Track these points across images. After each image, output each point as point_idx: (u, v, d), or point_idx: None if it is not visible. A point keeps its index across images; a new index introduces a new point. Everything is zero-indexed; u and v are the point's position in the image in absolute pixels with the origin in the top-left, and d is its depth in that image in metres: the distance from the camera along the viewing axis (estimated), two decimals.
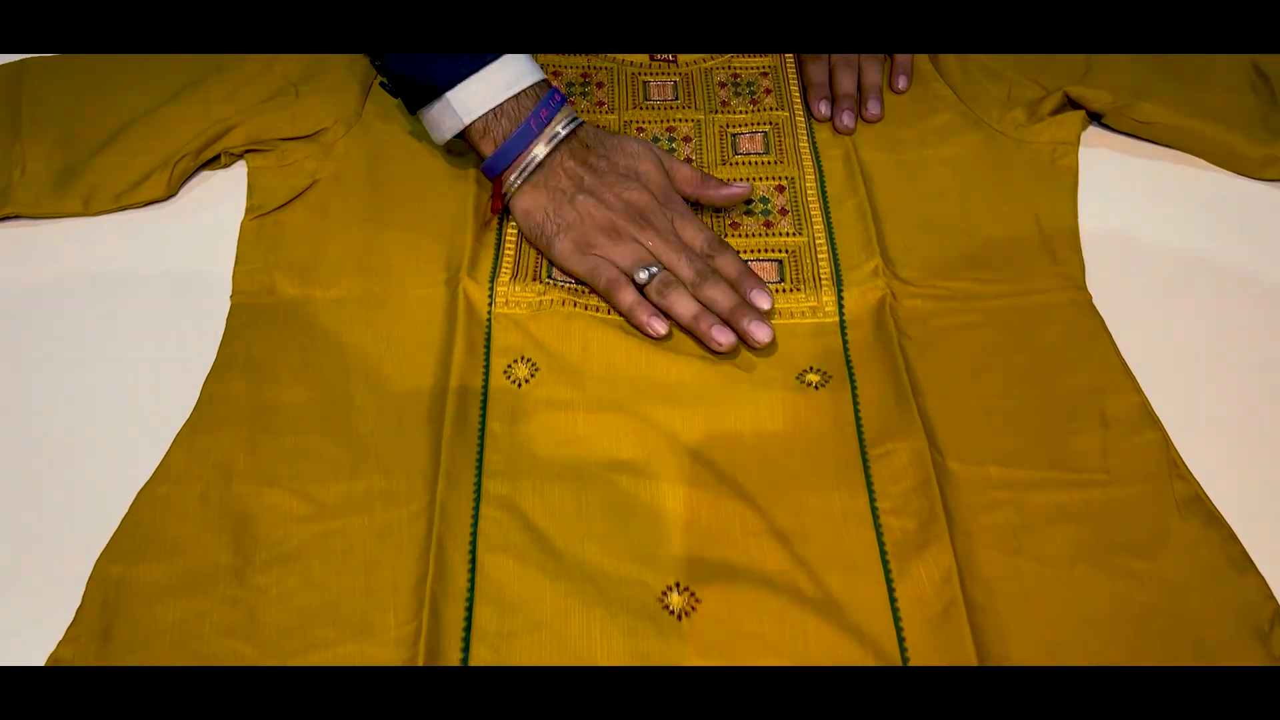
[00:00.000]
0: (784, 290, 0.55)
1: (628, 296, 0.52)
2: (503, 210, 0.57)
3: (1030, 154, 0.62)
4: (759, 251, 0.57)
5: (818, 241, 0.58)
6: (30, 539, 0.46)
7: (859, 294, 0.55)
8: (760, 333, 0.51)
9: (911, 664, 0.42)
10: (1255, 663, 0.42)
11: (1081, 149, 0.62)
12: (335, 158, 0.61)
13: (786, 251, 0.57)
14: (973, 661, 0.41)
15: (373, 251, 0.56)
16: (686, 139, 0.64)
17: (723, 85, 0.67)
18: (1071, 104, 0.63)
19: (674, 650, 0.42)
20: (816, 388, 0.51)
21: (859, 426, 0.50)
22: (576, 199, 0.54)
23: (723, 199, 0.57)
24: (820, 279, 0.56)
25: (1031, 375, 0.52)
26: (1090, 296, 0.55)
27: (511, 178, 0.56)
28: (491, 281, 0.55)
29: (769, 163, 0.62)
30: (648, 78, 0.67)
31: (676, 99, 0.66)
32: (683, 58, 0.68)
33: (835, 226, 0.58)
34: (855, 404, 0.50)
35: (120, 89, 0.63)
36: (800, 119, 0.64)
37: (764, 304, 0.52)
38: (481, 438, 0.49)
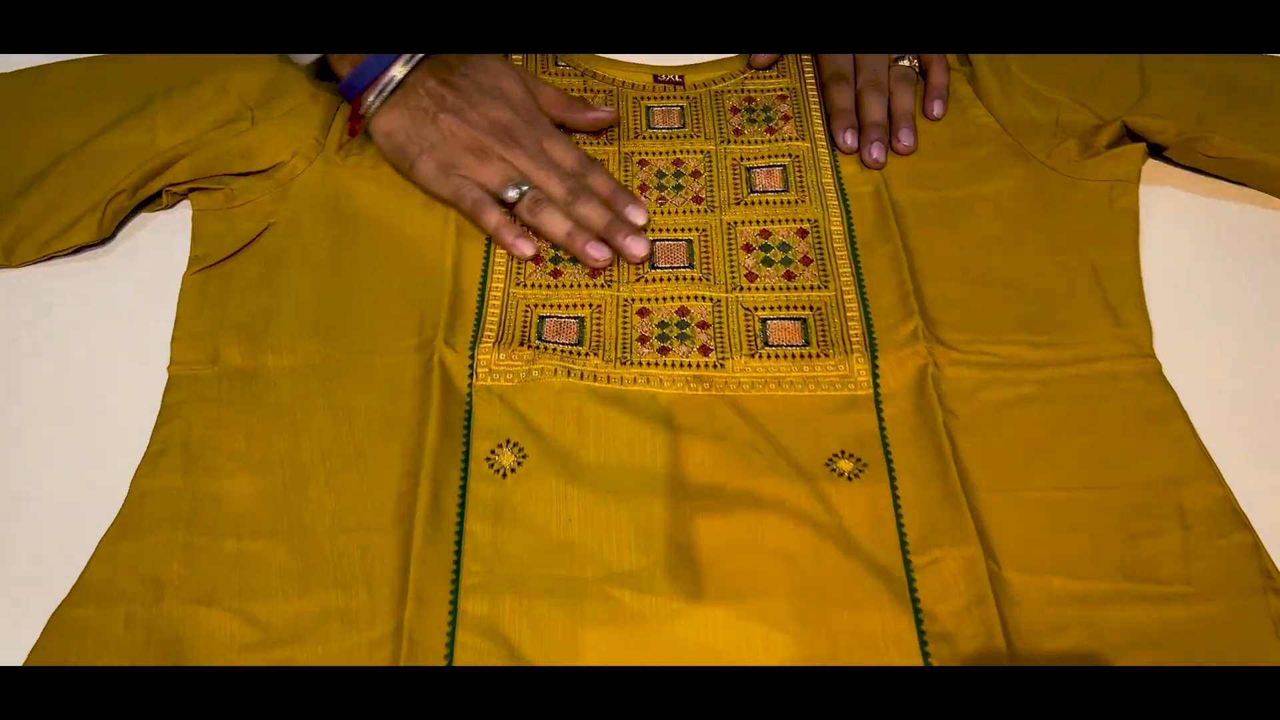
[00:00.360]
0: (810, 356, 0.48)
1: (493, 217, 0.51)
2: (360, 133, 0.54)
3: (1085, 194, 0.54)
4: (780, 309, 0.50)
5: (846, 297, 0.50)
6: None
7: (896, 361, 0.48)
8: (636, 247, 0.50)
9: None
10: None
11: (1141, 187, 0.55)
12: (293, 198, 0.53)
13: (811, 308, 0.50)
14: None
15: (334, 310, 0.49)
16: (695, 174, 0.56)
17: (735, 111, 0.59)
18: (1130, 135, 0.56)
19: None
20: (849, 478, 0.44)
21: (900, 528, 0.42)
22: (439, 118, 0.52)
23: (588, 122, 0.56)
24: (850, 341, 0.48)
25: (1096, 462, 0.45)
26: (1159, 365, 0.48)
27: (369, 99, 0.53)
28: (472, 348, 0.47)
29: (789, 202, 0.55)
30: (651, 103, 0.60)
31: (683, 127, 0.59)
32: (690, 79, 0.61)
33: (866, 278, 0.51)
34: (895, 499, 0.43)
35: (50, 118, 0.55)
36: (824, 150, 0.57)
37: (639, 219, 0.52)
38: (459, 543, 0.42)
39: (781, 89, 0.61)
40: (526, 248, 0.51)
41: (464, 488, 0.43)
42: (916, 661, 0.39)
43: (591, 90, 0.60)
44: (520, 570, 0.41)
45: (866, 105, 0.57)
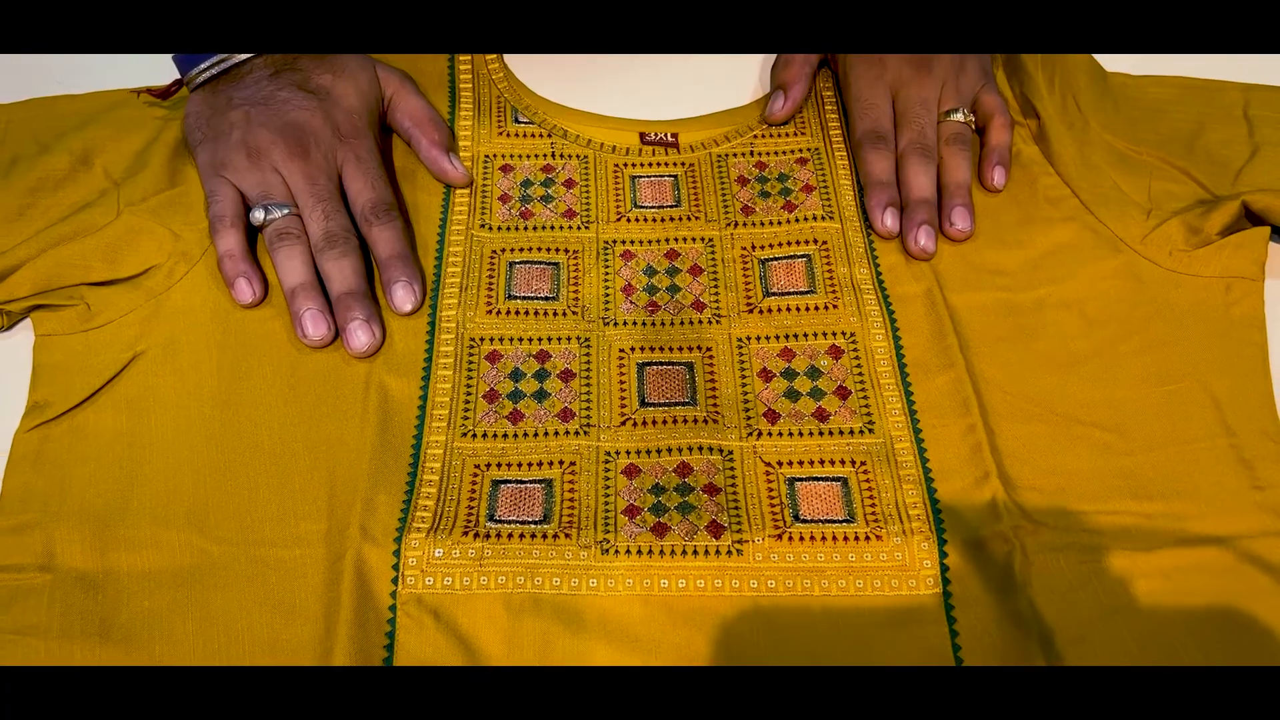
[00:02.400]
0: (856, 539, 0.36)
1: (225, 240, 0.41)
2: (165, 97, 0.46)
3: (1195, 295, 0.42)
4: (812, 464, 0.38)
5: (899, 445, 0.38)
6: None
7: (971, 547, 0.36)
8: (356, 339, 0.39)
9: None
10: None
11: (1268, 283, 0.43)
12: (168, 316, 0.40)
13: (853, 464, 0.38)
14: None
15: (216, 483, 0.37)
16: (695, 270, 0.44)
17: (743, 181, 0.47)
18: (1250, 216, 0.44)
19: None
20: None
21: None
22: (236, 107, 0.43)
23: (431, 159, 0.45)
24: (908, 515, 0.36)
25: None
26: None
27: (194, 73, 0.44)
28: (399, 537, 0.35)
29: (817, 308, 0.42)
30: (638, 171, 0.47)
31: (678, 205, 0.46)
32: (686, 138, 0.48)
33: (922, 416, 0.39)
34: None
35: None
36: (856, 233, 0.45)
37: (405, 305, 0.41)
38: None
39: (801, 150, 0.48)
40: (245, 293, 0.40)
41: None
42: None
43: (563, 155, 0.48)
44: None
45: (910, 176, 0.45)
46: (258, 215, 0.41)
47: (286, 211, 0.41)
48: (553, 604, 0.34)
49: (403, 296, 0.41)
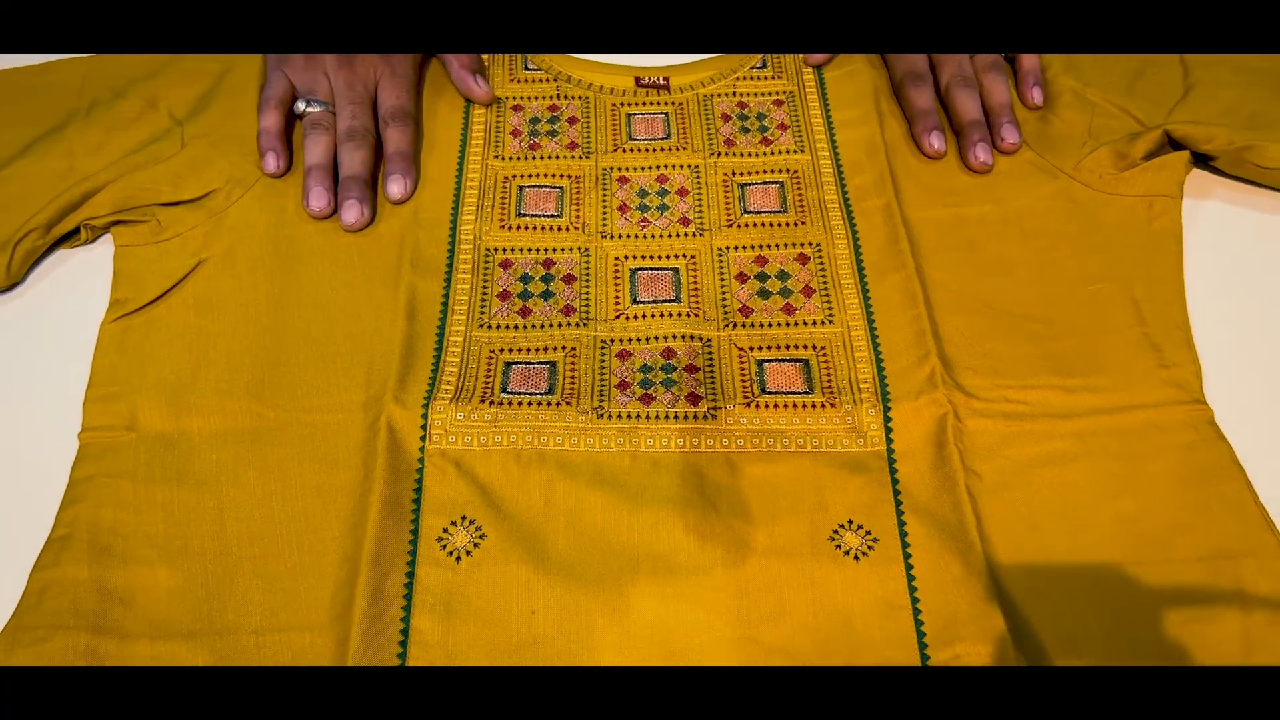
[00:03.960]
0: (813, 405, 0.42)
1: (266, 120, 0.49)
2: None
3: (1121, 212, 0.48)
4: (778, 348, 0.44)
5: (854, 333, 0.44)
6: None
7: (911, 412, 0.42)
8: (349, 215, 0.47)
9: None
10: None
11: (1185, 202, 0.49)
12: (227, 231, 0.47)
13: (814, 348, 0.44)
14: None
15: (270, 362, 0.43)
16: (682, 191, 0.50)
17: (726, 118, 0.53)
18: (1172, 144, 0.50)
19: None
20: (856, 557, 0.38)
21: (917, 619, 0.37)
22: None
23: (460, 79, 0.53)
24: (859, 388, 0.42)
25: (1143, 533, 0.39)
26: (1211, 413, 0.42)
27: None
28: (425, 404, 0.42)
29: (788, 224, 0.49)
30: (632, 109, 0.54)
31: (668, 137, 0.52)
32: (676, 82, 0.55)
33: (876, 310, 0.45)
34: (911, 585, 0.37)
35: None
36: (826, 163, 0.51)
37: (394, 194, 0.48)
38: (404, 644, 0.36)
39: (778, 93, 0.54)
40: (270, 164, 0.49)
41: (411, 574, 0.37)
42: None
43: (566, 96, 0.54)
44: (470, 661, 0.35)
45: (959, 103, 0.51)
46: (299, 106, 0.50)
47: (323, 108, 0.50)
48: (555, 458, 0.40)
49: (394, 188, 0.48)
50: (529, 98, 0.54)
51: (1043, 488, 0.40)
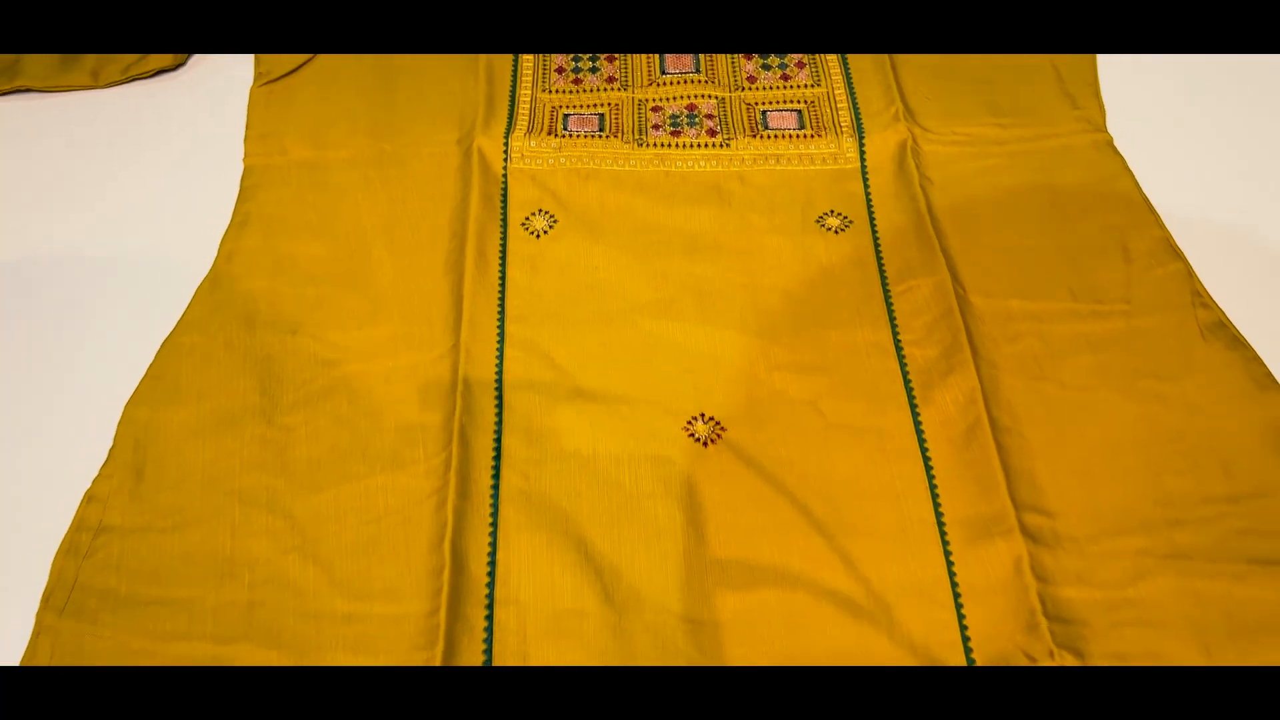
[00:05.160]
0: (805, 136, 0.55)
1: None
2: None
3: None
4: (777, 103, 0.56)
5: (836, 92, 0.57)
6: (58, 386, 0.46)
7: (880, 140, 0.54)
8: None
9: (937, 479, 0.42)
10: (1276, 476, 0.42)
11: None
12: None
13: (806, 102, 0.56)
14: (998, 477, 0.41)
15: (383, 113, 0.56)
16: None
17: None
18: None
19: (700, 474, 0.42)
20: (837, 231, 0.51)
21: (880, 266, 0.49)
22: None
23: None
24: (840, 126, 0.55)
25: (1054, 215, 0.51)
26: (1111, 138, 0.54)
27: None
28: (506, 136, 0.54)
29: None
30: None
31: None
32: None
33: (854, 77, 0.57)
34: (876, 245, 0.50)
35: None
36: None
37: None
38: (503, 285, 0.49)
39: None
40: None
41: (504, 245, 0.50)
42: (894, 364, 0.46)
43: None
44: (556, 304, 0.48)
45: None
46: None
47: None
48: (607, 175, 0.53)
49: None
50: None
51: (979, 187, 0.52)
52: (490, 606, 0.39)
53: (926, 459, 0.43)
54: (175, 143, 0.56)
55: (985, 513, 0.41)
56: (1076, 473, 0.43)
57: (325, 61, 0.58)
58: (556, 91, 0.57)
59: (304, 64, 0.58)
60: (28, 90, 0.57)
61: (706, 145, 0.54)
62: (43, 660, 0.38)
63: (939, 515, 0.41)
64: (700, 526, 0.41)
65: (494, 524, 0.41)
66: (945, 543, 0.41)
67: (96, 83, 0.58)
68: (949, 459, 0.43)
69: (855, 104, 0.56)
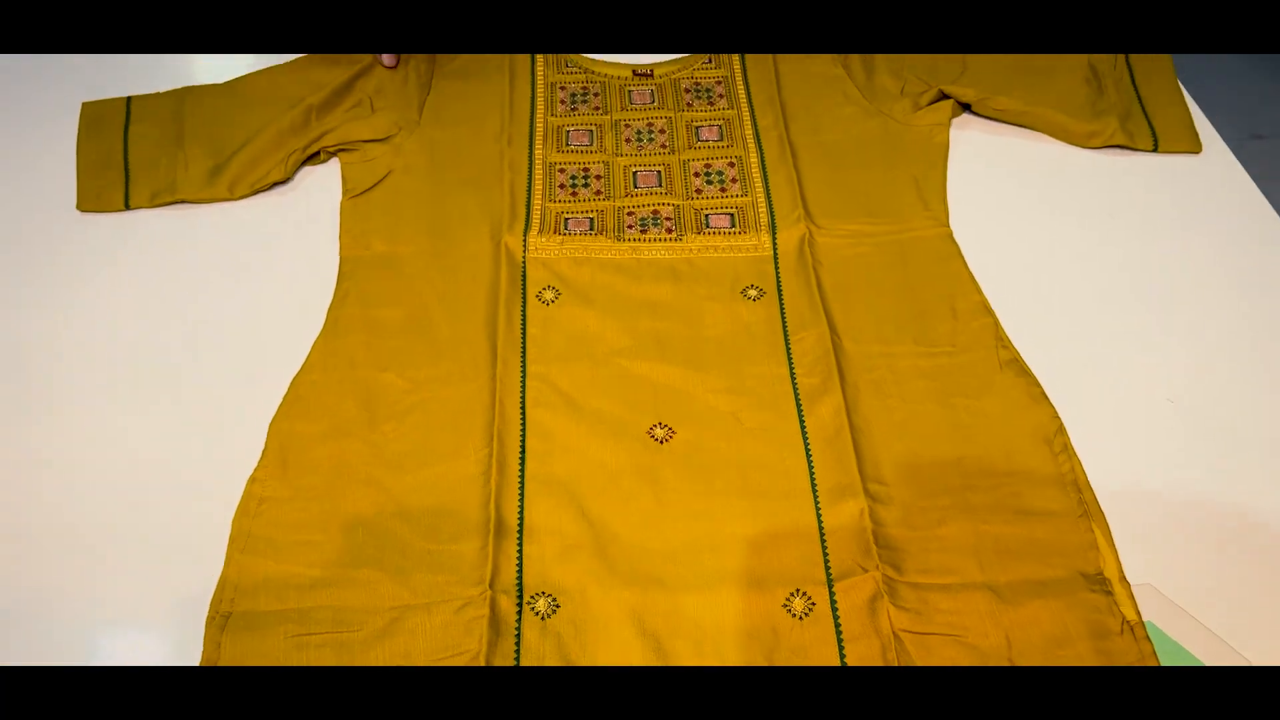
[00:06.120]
0: (734, 233, 0.78)
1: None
2: None
3: (914, 134, 0.84)
4: (716, 209, 0.80)
5: (759, 201, 0.80)
6: (227, 408, 0.68)
7: (786, 236, 0.77)
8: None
9: (814, 462, 0.64)
10: (1041, 459, 0.64)
11: (953, 129, 0.84)
12: (403, 154, 0.83)
13: (736, 208, 0.80)
14: (853, 462, 0.63)
15: (438, 219, 0.79)
16: (662, 130, 0.86)
17: (688, 91, 0.89)
18: (945, 97, 0.86)
19: (659, 463, 0.64)
20: (754, 299, 0.74)
21: (783, 322, 0.72)
22: None
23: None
24: (760, 225, 0.78)
25: (905, 286, 0.74)
26: (951, 232, 0.77)
27: None
28: (525, 235, 0.77)
29: (724, 146, 0.84)
30: (631, 88, 0.90)
31: (653, 103, 0.88)
32: (658, 71, 0.90)
33: (772, 191, 0.81)
34: (781, 308, 0.73)
35: (251, 109, 0.85)
36: (746, 114, 0.86)
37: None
38: (524, 339, 0.71)
39: (718, 77, 0.90)
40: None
41: (524, 310, 0.73)
42: (789, 389, 0.68)
43: (592, 79, 0.89)
44: (561, 350, 0.70)
45: None
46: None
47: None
48: (597, 261, 0.76)
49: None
50: (568, 83, 0.90)
51: (854, 268, 0.75)
52: (520, 544, 0.61)
53: (808, 450, 0.65)
54: (291, 239, 0.79)
55: (843, 482, 0.63)
56: (906, 458, 0.64)
57: (393, 181, 0.81)
58: (559, 200, 0.80)
59: (378, 183, 0.81)
60: (184, 203, 0.80)
61: (665, 239, 0.77)
62: (231, 582, 0.59)
63: (814, 484, 0.63)
64: (659, 494, 0.63)
65: (521, 493, 0.63)
66: (816, 502, 0.62)
67: (232, 195, 0.81)
68: (822, 450, 0.65)
69: (771, 209, 0.79)
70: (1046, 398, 0.67)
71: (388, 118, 0.85)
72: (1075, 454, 0.64)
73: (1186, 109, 0.86)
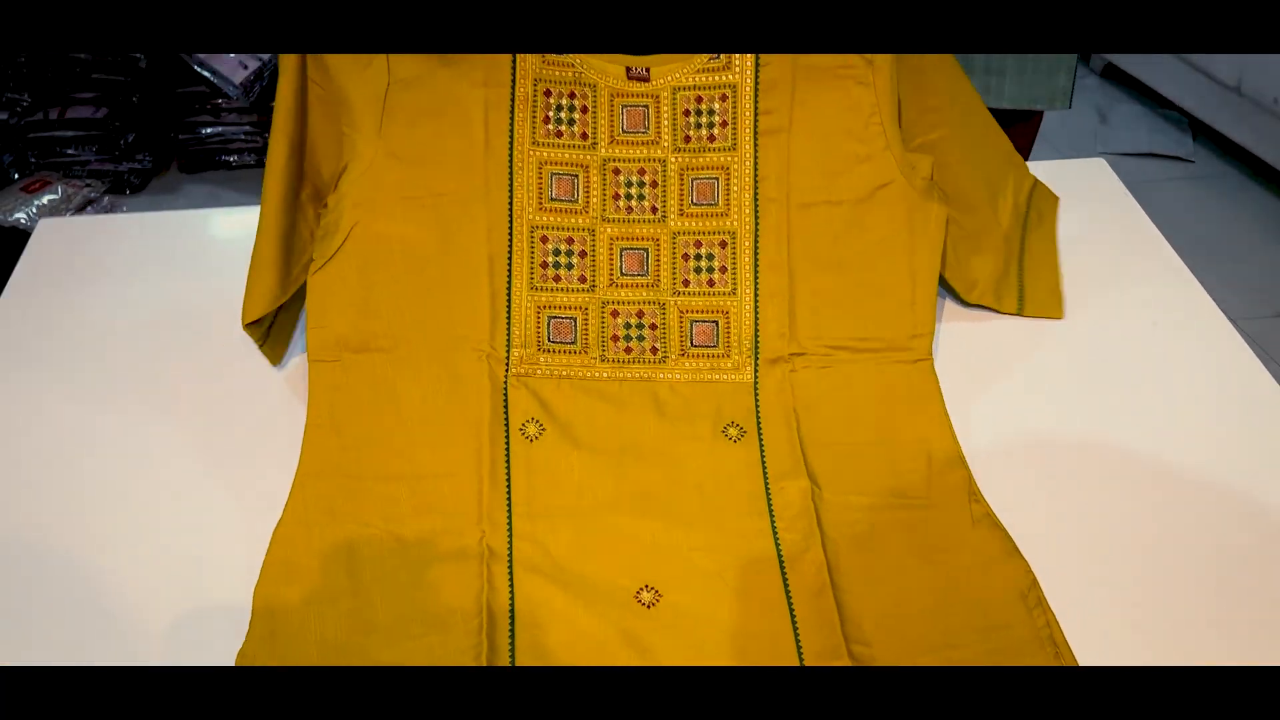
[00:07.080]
0: (717, 355, 0.76)
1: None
2: None
3: (921, 214, 0.82)
4: (703, 312, 0.78)
5: (744, 309, 0.78)
6: (192, 566, 0.67)
7: (768, 363, 0.76)
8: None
9: (799, 631, 0.67)
10: (1018, 615, 0.67)
11: None
12: (371, 175, 0.78)
13: (721, 313, 0.78)
14: (835, 618, 0.65)
15: (410, 299, 0.76)
16: (654, 184, 0.78)
17: (687, 114, 0.79)
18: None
19: (647, 630, 0.66)
20: (735, 440, 0.74)
21: (764, 469, 0.72)
22: None
23: None
24: (743, 344, 0.77)
25: (883, 427, 0.75)
26: (931, 361, 0.78)
27: None
28: (507, 351, 0.75)
29: (718, 214, 0.78)
30: (624, 102, 0.79)
31: (646, 131, 0.79)
32: (655, 73, 0.79)
33: (760, 294, 0.78)
34: (762, 453, 0.73)
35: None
36: (748, 163, 0.79)
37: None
38: (509, 488, 0.70)
39: (724, 87, 0.81)
40: None
41: (508, 449, 0.72)
42: (770, 545, 0.69)
43: (581, 83, 0.79)
44: (547, 504, 0.70)
45: None
46: None
47: None
48: (578, 384, 0.74)
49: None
50: (556, 82, 0.79)
51: (834, 404, 0.75)
52: None
53: (792, 613, 0.67)
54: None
55: (828, 646, 0.64)
56: (888, 616, 0.67)
57: (363, 230, 0.77)
58: (542, 288, 0.76)
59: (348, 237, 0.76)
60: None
61: (649, 360, 0.76)
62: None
63: (799, 649, 0.65)
64: (647, 663, 0.65)
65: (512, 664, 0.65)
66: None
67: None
68: (806, 612, 0.67)
69: (757, 319, 0.78)
70: (1018, 551, 0.70)
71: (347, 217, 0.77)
72: (1049, 609, 0.68)
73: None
